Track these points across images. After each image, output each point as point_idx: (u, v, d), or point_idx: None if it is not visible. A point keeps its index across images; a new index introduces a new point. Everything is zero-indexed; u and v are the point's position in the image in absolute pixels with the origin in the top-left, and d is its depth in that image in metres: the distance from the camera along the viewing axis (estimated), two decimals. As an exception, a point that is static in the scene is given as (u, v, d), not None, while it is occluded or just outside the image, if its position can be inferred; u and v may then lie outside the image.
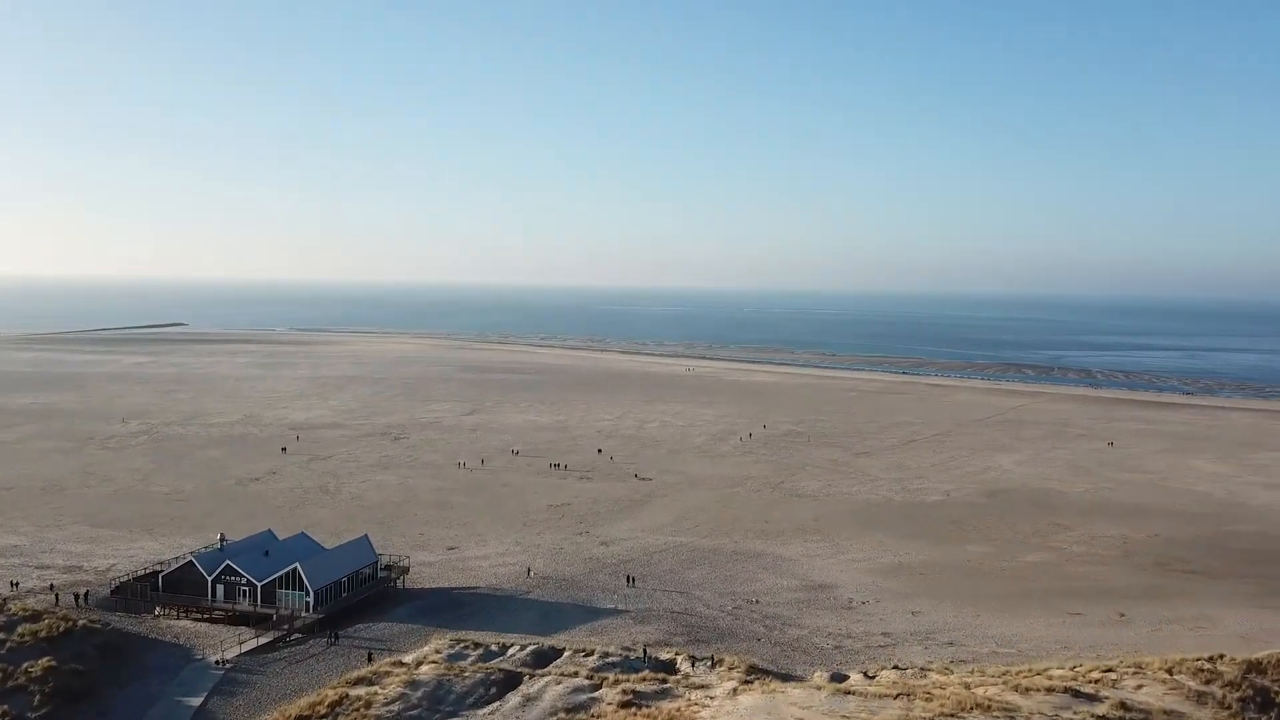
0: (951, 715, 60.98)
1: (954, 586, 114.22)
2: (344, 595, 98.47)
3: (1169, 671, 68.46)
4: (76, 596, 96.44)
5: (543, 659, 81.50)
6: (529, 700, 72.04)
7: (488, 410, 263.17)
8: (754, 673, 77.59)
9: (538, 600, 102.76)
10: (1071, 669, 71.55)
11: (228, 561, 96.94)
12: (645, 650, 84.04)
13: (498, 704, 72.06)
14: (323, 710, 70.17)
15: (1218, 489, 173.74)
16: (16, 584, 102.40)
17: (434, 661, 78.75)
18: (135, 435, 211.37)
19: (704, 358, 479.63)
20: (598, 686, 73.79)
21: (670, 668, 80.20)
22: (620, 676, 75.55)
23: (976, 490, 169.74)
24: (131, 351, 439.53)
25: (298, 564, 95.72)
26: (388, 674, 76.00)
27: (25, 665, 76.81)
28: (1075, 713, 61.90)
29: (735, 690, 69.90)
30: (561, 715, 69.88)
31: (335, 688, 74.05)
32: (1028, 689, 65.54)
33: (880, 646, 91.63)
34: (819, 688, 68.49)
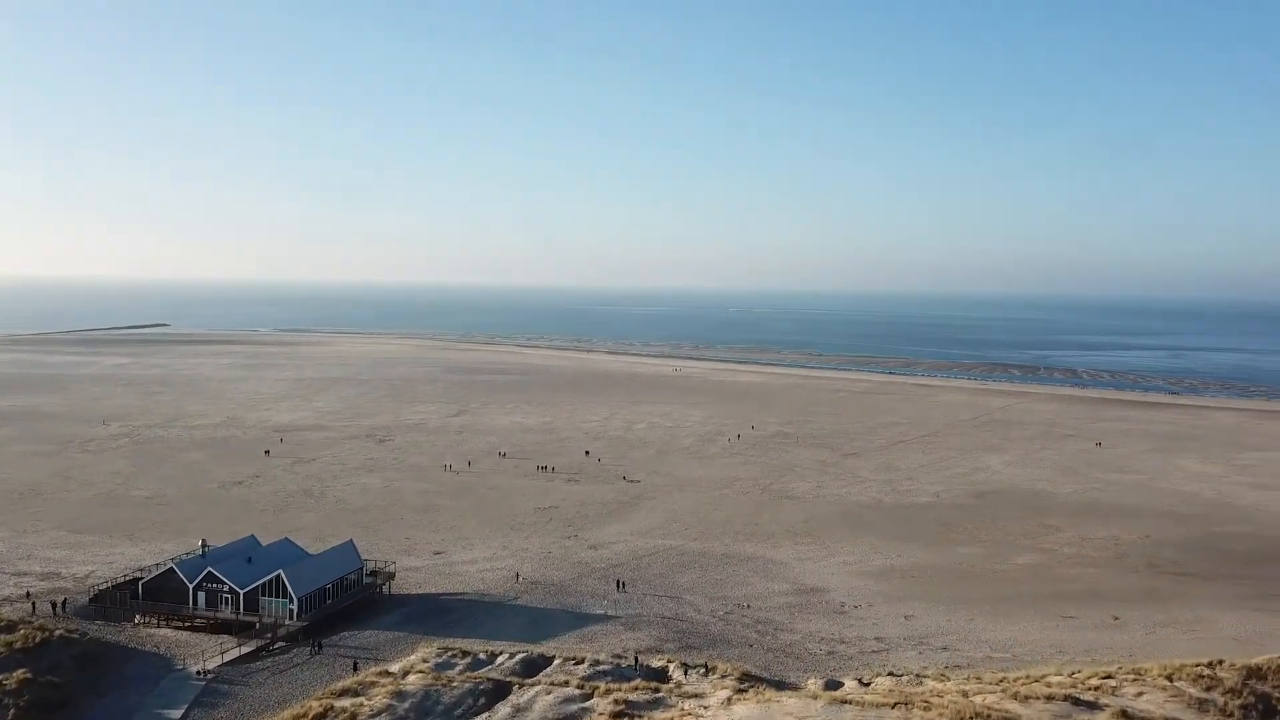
0: (950, 724, 59.85)
1: (946, 589, 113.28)
2: (329, 602, 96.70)
3: (1169, 678, 67.51)
4: (54, 605, 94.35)
5: (532, 667, 80.00)
6: (519, 711, 70.44)
7: (474, 412, 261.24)
8: (747, 680, 76.30)
9: (526, 606, 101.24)
10: (1070, 676, 70.55)
11: (209, 568, 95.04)
12: (636, 658, 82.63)
13: (487, 715, 70.44)
14: (307, 722, 68.44)
15: (1206, 489, 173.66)
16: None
17: (421, 671, 77.10)
18: (116, 438, 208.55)
19: (690, 358, 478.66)
20: (589, 696, 72.25)
21: (662, 676, 78.81)
22: (612, 685, 74.05)
23: (966, 491, 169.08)
24: (113, 353, 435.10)
25: (281, 570, 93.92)
26: (374, 684, 74.29)
27: (0, 678, 74.82)
28: (1075, 721, 60.93)
29: (729, 700, 68.53)
30: (552, 726, 68.36)
31: (320, 699, 72.27)
32: (1027, 697, 64.46)
33: (874, 652, 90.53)
34: (814, 697, 67.20)
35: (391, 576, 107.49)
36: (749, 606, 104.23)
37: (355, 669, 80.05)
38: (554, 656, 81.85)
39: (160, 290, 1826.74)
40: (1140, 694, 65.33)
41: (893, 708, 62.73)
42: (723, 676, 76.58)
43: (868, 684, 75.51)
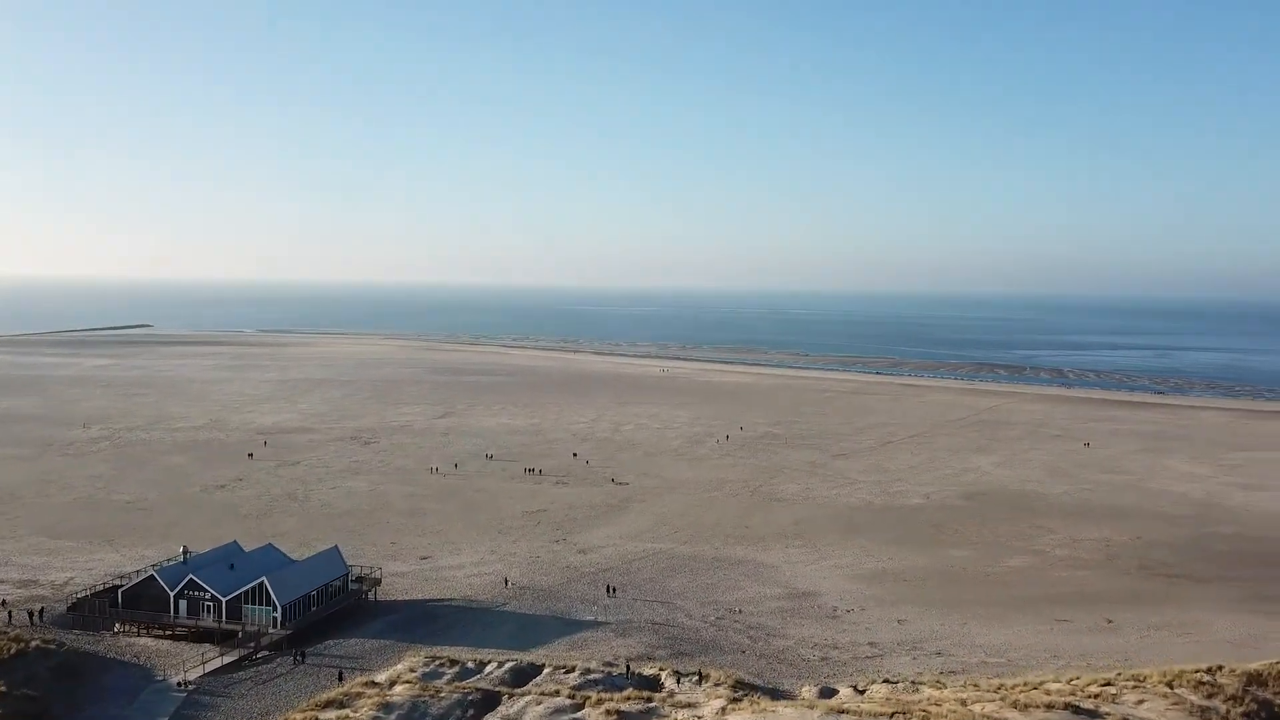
0: (949, 734, 58.73)
1: (938, 593, 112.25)
2: (313, 610, 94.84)
3: (1169, 685, 66.54)
4: (31, 614, 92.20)
5: (522, 676, 78.36)
6: (508, 722, 68.88)
7: (460, 413, 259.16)
8: (741, 688, 74.89)
9: (515, 612, 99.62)
10: (1069, 683, 69.46)
11: (191, 575, 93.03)
12: (628, 666, 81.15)
13: (475, 726, 68.86)
14: (291, 735, 66.70)
15: (1195, 489, 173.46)
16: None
17: (408, 681, 75.34)
18: (96, 441, 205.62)
19: (678, 358, 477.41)
20: (580, 706, 70.75)
21: (654, 684, 77.29)
22: (603, 695, 72.51)
23: (956, 492, 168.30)
24: (94, 354, 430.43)
25: (264, 577, 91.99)
26: (359, 695, 72.52)
27: (-26, 690, 72.71)
28: (1075, 730, 59.86)
29: (723, 709, 67.15)
30: (542, 737, 66.84)
31: (304, 711, 70.53)
32: (1026, 705, 63.32)
33: (868, 657, 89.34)
34: (810, 706, 65.90)
35: (377, 583, 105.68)
36: (740, 611, 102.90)
37: (340, 679, 78.22)
38: (544, 665, 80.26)
39: (155, 290, 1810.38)
40: (1141, 701, 64.31)
41: (890, 717, 61.52)
42: (716, 685, 75.12)
43: (863, 691, 74.21)
